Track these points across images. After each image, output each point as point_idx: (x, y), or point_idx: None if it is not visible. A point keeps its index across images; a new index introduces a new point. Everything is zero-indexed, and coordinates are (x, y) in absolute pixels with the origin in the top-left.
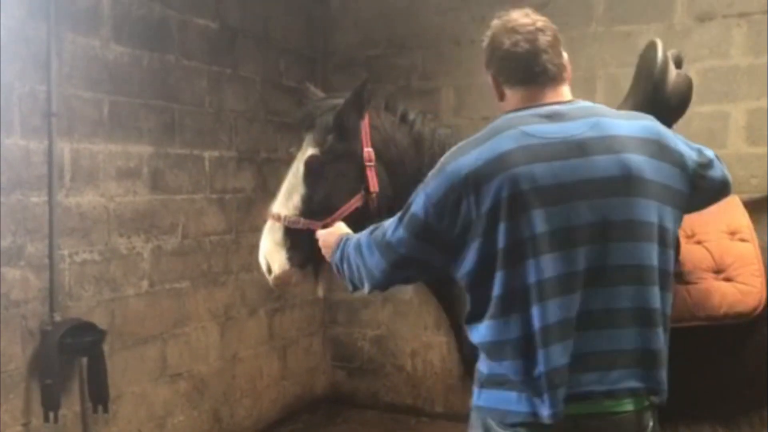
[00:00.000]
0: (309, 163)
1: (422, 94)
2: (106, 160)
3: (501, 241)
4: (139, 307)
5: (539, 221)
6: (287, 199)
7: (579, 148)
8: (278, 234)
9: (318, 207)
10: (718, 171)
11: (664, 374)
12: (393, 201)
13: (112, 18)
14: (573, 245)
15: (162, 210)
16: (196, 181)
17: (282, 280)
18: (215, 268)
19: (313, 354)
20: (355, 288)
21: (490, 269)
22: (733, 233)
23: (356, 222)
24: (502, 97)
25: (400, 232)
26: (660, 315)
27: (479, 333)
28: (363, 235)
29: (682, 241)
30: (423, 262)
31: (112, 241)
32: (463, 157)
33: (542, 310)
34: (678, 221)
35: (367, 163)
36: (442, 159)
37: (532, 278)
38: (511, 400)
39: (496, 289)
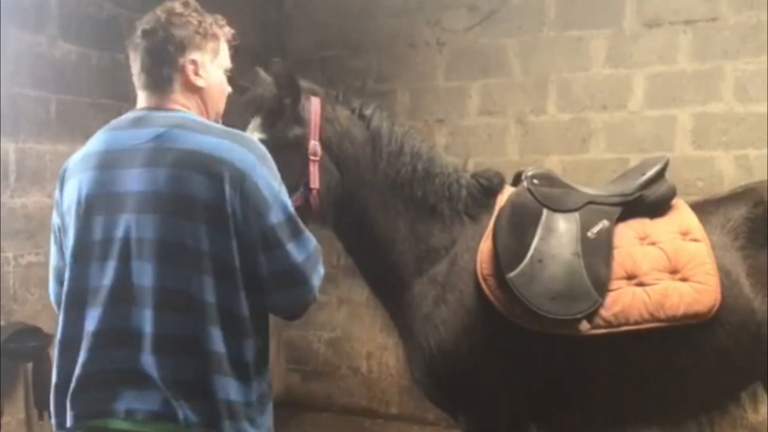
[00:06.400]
0: None
1: (377, 95)
2: (53, 160)
3: None
4: None
5: None
6: None
7: None
8: None
9: None
10: None
11: None
12: (342, 200)
13: (59, 15)
14: None
15: None
16: None
17: None
18: None
19: None
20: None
21: None
22: (684, 233)
23: None
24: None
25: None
26: None
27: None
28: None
29: (636, 243)
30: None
31: None
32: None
33: None
34: None
35: (312, 157)
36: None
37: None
38: None
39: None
